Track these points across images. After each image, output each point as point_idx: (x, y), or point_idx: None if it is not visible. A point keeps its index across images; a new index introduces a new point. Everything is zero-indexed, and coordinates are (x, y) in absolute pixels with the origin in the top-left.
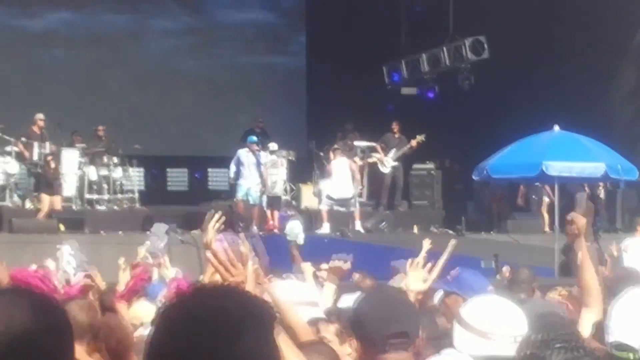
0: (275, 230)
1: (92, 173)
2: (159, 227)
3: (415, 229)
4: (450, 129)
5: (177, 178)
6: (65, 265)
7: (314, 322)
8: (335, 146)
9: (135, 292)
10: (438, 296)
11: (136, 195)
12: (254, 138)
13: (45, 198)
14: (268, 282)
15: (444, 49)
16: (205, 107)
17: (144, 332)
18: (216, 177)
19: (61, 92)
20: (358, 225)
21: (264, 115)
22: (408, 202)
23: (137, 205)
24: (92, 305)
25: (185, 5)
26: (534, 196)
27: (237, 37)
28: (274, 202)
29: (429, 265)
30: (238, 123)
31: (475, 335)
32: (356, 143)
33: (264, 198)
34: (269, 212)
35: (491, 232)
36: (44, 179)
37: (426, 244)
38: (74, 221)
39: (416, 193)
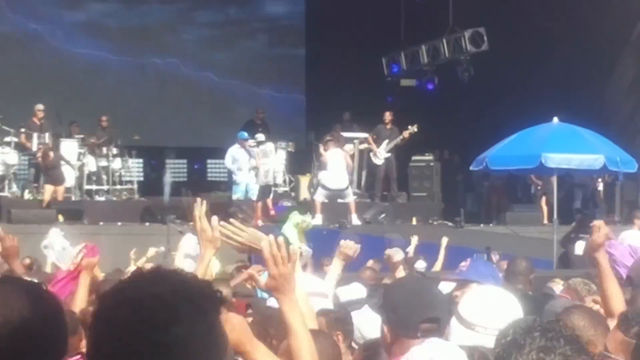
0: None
1: (91, 164)
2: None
3: (414, 221)
4: (449, 121)
5: (177, 169)
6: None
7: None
8: (328, 137)
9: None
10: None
11: (135, 186)
12: (245, 134)
13: (49, 188)
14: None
15: (444, 40)
16: (204, 98)
17: None
18: (215, 168)
19: (60, 83)
20: (355, 218)
21: (262, 106)
22: (407, 193)
23: (136, 196)
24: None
25: None
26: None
27: (236, 28)
28: (267, 190)
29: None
30: (237, 114)
31: (462, 326)
32: (346, 134)
33: (257, 188)
34: (260, 203)
35: (490, 224)
36: (43, 170)
37: (444, 241)
38: (73, 212)
39: (415, 185)
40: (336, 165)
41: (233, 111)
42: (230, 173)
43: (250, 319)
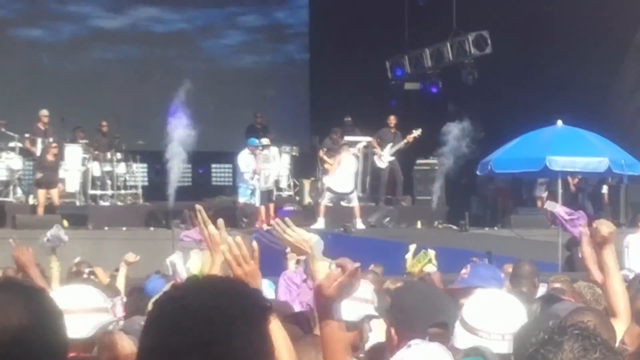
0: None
1: (95, 169)
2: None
3: (419, 224)
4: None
5: (181, 174)
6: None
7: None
8: (340, 140)
9: None
10: None
11: (139, 190)
12: (255, 140)
13: (41, 192)
14: None
15: (448, 44)
16: (209, 103)
17: None
18: (220, 173)
19: (65, 88)
20: (359, 223)
21: (266, 110)
22: (411, 197)
23: (141, 201)
24: None
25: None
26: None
27: (240, 32)
28: (268, 196)
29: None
30: (242, 118)
31: (466, 331)
32: (348, 138)
33: (259, 193)
34: (263, 207)
35: (495, 227)
36: (41, 172)
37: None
38: (78, 217)
39: (420, 188)
40: (346, 170)
41: (237, 115)
42: (235, 177)
43: None
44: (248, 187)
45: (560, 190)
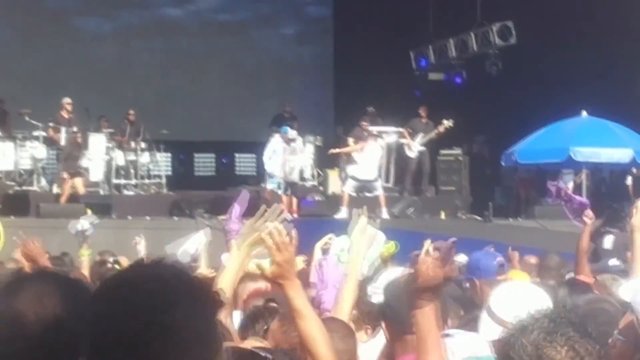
0: (295, 215)
1: (119, 158)
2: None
3: (443, 215)
4: (477, 115)
5: (205, 163)
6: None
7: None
8: (365, 132)
9: None
10: None
11: (163, 180)
12: (288, 129)
13: (65, 181)
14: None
15: (472, 34)
16: (233, 92)
17: None
18: (243, 163)
19: (89, 77)
20: (384, 213)
21: (291, 100)
22: (435, 187)
23: (165, 190)
24: None
25: None
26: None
27: (265, 22)
28: (292, 188)
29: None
30: (265, 108)
31: (493, 321)
32: (380, 128)
33: (284, 184)
34: (286, 198)
35: (518, 217)
36: (66, 161)
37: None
38: (101, 206)
39: (443, 179)
40: (370, 158)
41: (261, 105)
42: (261, 165)
43: None
44: (274, 176)
45: (585, 182)
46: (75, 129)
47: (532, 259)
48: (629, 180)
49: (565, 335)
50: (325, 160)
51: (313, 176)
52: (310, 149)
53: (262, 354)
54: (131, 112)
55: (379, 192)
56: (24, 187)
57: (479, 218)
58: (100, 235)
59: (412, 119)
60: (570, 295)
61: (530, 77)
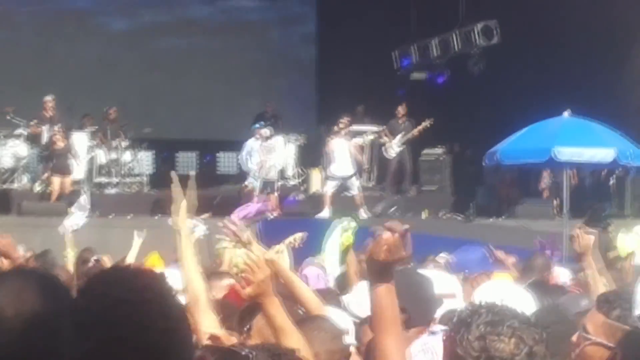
0: (275, 214)
1: (101, 156)
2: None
3: (424, 214)
4: (460, 114)
5: (187, 162)
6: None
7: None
8: (336, 128)
9: None
10: None
11: (145, 178)
12: (261, 124)
13: (56, 180)
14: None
15: (455, 34)
16: (216, 91)
17: None
18: (225, 161)
19: (73, 75)
20: (362, 212)
21: (274, 99)
22: (417, 187)
23: (147, 188)
24: None
25: None
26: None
27: (248, 20)
28: (269, 186)
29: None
30: (249, 107)
31: None
32: (357, 127)
33: (260, 182)
34: (264, 196)
35: (501, 217)
36: (53, 159)
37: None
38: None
39: (425, 178)
40: (341, 155)
41: (244, 104)
42: (248, 164)
43: None
44: (252, 174)
45: (565, 182)
46: (57, 127)
47: (512, 259)
48: (612, 180)
49: (512, 327)
50: (308, 159)
51: (295, 175)
52: (292, 148)
53: (243, 352)
54: (111, 110)
55: (355, 192)
56: (6, 185)
57: (459, 217)
58: (82, 233)
59: (390, 121)
60: (541, 298)
61: (513, 77)
